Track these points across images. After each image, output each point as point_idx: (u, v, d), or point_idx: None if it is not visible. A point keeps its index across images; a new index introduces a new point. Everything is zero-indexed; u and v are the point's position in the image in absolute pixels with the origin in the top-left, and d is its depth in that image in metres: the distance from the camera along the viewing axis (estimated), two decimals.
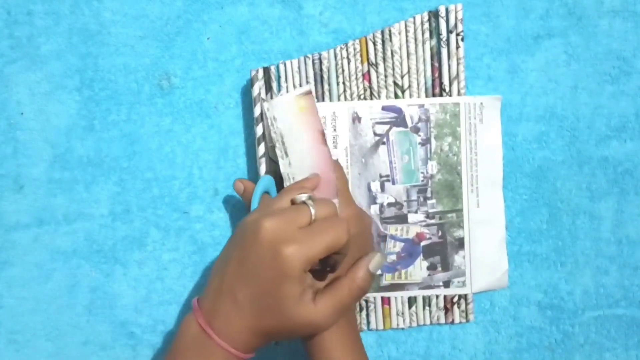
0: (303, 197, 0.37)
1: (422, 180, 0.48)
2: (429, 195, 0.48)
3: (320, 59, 0.47)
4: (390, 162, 0.48)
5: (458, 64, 0.48)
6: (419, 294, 0.49)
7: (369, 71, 0.48)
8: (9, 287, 0.48)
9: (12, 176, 0.47)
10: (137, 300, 0.48)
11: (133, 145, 0.48)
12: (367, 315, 0.49)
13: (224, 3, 0.47)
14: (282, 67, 0.47)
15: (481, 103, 0.48)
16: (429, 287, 0.49)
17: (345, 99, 0.48)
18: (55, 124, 0.47)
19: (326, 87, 0.48)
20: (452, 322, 0.49)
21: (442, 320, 0.49)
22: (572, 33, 0.49)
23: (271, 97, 0.47)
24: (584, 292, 0.50)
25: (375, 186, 0.48)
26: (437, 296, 0.49)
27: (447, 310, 0.49)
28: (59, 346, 0.48)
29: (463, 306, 0.49)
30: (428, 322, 0.49)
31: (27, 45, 0.47)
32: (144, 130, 0.48)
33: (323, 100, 0.48)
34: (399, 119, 0.48)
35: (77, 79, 0.47)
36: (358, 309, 0.49)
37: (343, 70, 0.48)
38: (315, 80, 0.48)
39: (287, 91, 0.47)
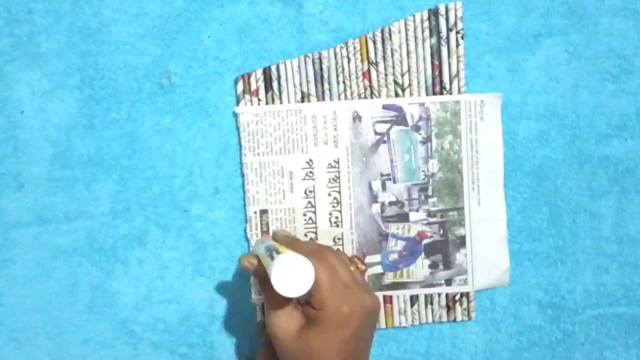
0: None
1: (423, 179, 0.48)
2: (430, 193, 0.48)
3: (320, 58, 0.47)
4: (391, 161, 0.48)
5: (458, 62, 0.48)
6: (421, 292, 0.49)
7: (369, 70, 0.48)
8: (10, 286, 0.48)
9: (12, 174, 0.47)
10: (137, 298, 0.48)
11: (133, 143, 0.48)
12: None
13: (224, 1, 0.47)
14: (282, 66, 0.47)
15: (482, 101, 0.48)
16: (431, 285, 0.49)
17: (346, 97, 0.48)
18: (56, 122, 0.47)
19: (326, 86, 0.48)
20: (454, 320, 0.49)
21: (444, 319, 0.49)
22: (572, 31, 0.49)
23: (272, 98, 0.47)
24: (584, 290, 0.50)
25: (376, 185, 0.48)
26: (439, 294, 0.49)
27: (449, 308, 0.49)
28: (60, 344, 0.48)
29: (465, 304, 0.49)
30: (430, 320, 0.49)
31: (28, 44, 0.47)
32: (145, 129, 0.48)
33: (323, 99, 0.48)
34: (400, 118, 0.48)
35: (78, 77, 0.47)
36: None
37: (343, 69, 0.48)
38: (316, 79, 0.48)
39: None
